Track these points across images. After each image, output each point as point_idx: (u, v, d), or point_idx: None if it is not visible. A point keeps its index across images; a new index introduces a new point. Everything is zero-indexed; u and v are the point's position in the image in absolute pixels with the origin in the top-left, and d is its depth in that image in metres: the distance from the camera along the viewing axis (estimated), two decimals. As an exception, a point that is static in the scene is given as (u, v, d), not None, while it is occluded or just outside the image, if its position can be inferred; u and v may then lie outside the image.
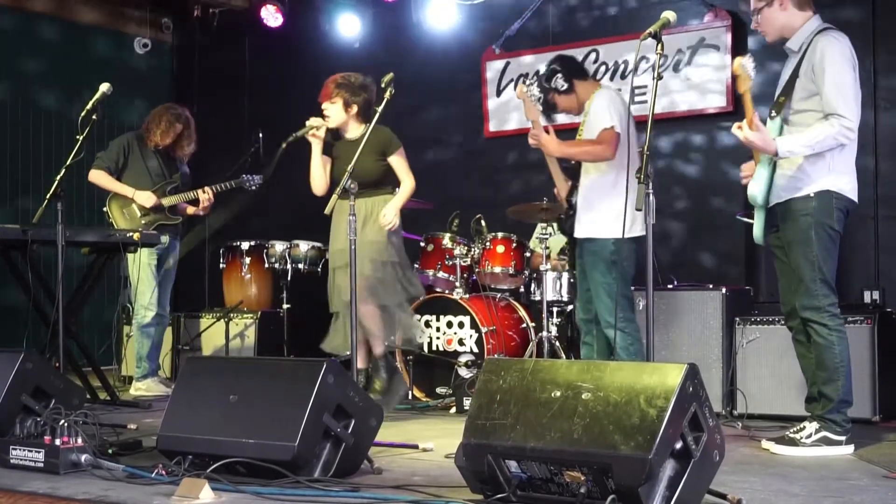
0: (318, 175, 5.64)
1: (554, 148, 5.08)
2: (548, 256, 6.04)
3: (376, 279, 5.48)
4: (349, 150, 5.40)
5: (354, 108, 5.60)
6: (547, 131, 5.12)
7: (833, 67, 4.10)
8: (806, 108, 4.19)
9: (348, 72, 5.70)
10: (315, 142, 5.58)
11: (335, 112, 5.59)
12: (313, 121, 5.55)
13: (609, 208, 4.99)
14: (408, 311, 5.74)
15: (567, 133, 5.41)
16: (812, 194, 4.19)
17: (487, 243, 6.29)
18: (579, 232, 5.08)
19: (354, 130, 5.64)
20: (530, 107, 5.02)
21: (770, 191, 4.30)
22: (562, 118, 5.43)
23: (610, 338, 4.95)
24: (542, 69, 5.44)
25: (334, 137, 5.73)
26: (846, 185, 4.24)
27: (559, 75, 5.20)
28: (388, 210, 5.52)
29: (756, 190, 4.30)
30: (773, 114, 4.22)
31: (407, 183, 5.64)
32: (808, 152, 4.13)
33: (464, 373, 6.01)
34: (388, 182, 5.64)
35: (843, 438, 4.19)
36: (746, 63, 4.06)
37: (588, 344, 5.21)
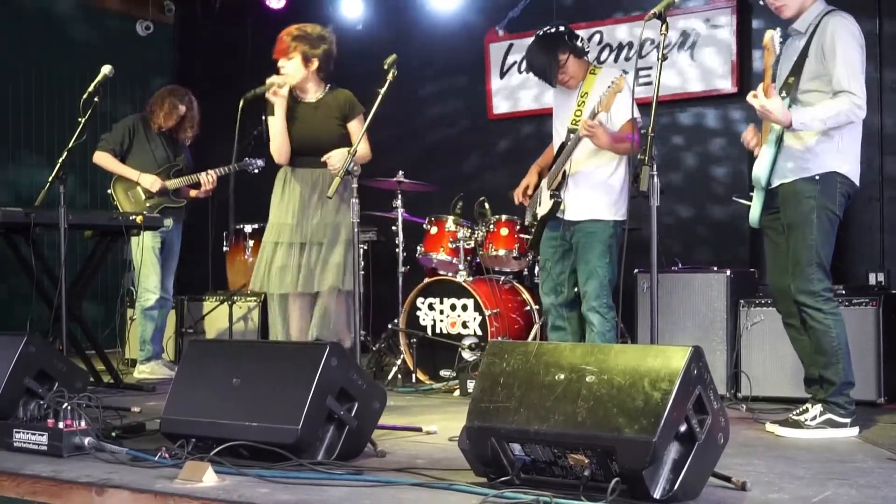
0: (283, 139, 5.18)
1: (606, 141, 4.83)
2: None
3: (348, 264, 5.12)
4: (308, 113, 5.17)
5: (315, 63, 5.17)
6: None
7: (844, 47, 4.08)
8: (813, 89, 4.16)
9: (304, 23, 5.27)
10: (278, 101, 5.13)
11: (294, 68, 5.14)
12: (275, 78, 5.13)
13: (608, 191, 4.98)
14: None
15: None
16: (818, 176, 4.17)
17: (491, 226, 6.27)
18: (576, 214, 5.00)
19: (313, 92, 5.25)
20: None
21: (772, 172, 4.28)
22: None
23: (591, 321, 4.95)
24: (551, 29, 5.09)
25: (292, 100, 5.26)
26: (851, 168, 4.23)
27: (580, 39, 5.08)
28: (336, 155, 4.99)
29: (761, 170, 4.27)
30: (783, 94, 4.18)
31: (363, 148, 5.03)
32: (821, 127, 4.10)
33: (467, 355, 6.00)
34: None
35: (847, 421, 4.18)
36: (776, 37, 4.03)
37: (561, 328, 5.16)
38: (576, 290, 5.16)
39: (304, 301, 5.32)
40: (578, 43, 5.06)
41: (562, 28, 5.09)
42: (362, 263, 6.69)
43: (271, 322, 5.50)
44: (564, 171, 5.00)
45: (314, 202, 5.25)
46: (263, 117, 5.36)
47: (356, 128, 5.24)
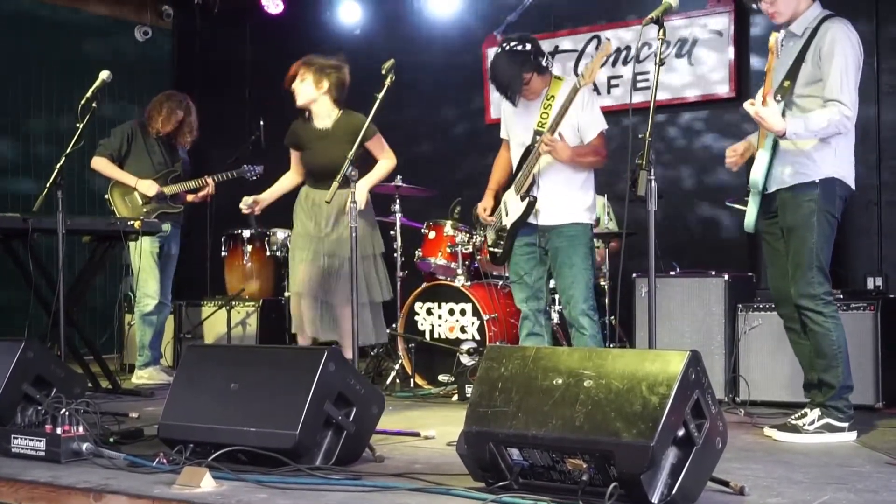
0: (288, 186, 5.66)
1: (567, 156, 4.83)
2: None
3: (362, 274, 5.28)
4: (322, 140, 5.39)
5: (325, 85, 5.35)
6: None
7: (842, 56, 4.09)
8: (810, 94, 4.16)
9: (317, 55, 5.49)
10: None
11: (306, 89, 5.35)
12: (243, 203, 5.64)
13: (583, 195, 4.98)
14: (376, 312, 5.53)
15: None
16: (817, 181, 4.17)
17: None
18: (552, 218, 4.95)
19: (326, 115, 5.43)
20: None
21: (769, 176, 4.27)
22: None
23: (582, 325, 4.94)
24: (518, 45, 4.96)
25: (304, 121, 5.53)
26: (848, 172, 4.24)
27: (545, 57, 5.01)
28: (360, 191, 5.17)
29: (758, 175, 4.27)
30: (778, 98, 4.18)
31: (386, 162, 5.50)
32: (812, 138, 4.12)
33: (465, 360, 6.00)
34: (362, 171, 5.30)
35: (845, 425, 4.18)
36: (780, 40, 4.04)
37: (538, 335, 5.11)
38: (552, 296, 5.14)
39: (316, 302, 5.48)
40: (543, 61, 4.98)
41: (528, 46, 4.95)
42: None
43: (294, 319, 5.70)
44: (534, 174, 4.95)
45: (333, 217, 5.42)
46: (261, 123, 5.46)
47: (374, 145, 5.45)
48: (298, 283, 5.48)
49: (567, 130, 4.89)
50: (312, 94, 5.38)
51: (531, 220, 4.99)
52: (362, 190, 5.31)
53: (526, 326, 5.15)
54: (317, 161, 5.44)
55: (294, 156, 5.64)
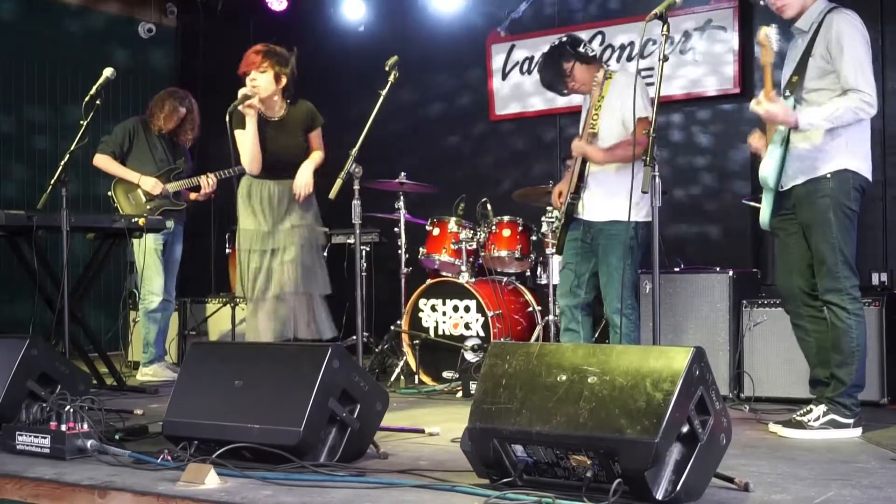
0: (256, 150, 5.21)
1: (601, 157, 4.90)
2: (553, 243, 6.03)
3: (305, 266, 5.29)
4: (273, 131, 5.29)
5: (283, 80, 5.26)
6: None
7: (851, 45, 4.07)
8: (820, 87, 4.14)
9: (268, 43, 5.32)
10: (250, 113, 5.18)
11: (265, 82, 5.20)
12: (246, 90, 5.17)
13: (629, 191, 4.96)
14: (323, 304, 5.44)
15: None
16: (829, 174, 4.14)
17: (493, 227, 6.28)
18: (595, 214, 5.00)
19: (277, 109, 5.33)
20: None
21: (781, 173, 4.25)
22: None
23: (615, 323, 4.94)
24: (557, 41, 5.20)
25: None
26: (862, 163, 4.20)
27: (585, 45, 5.14)
28: (305, 176, 5.27)
29: (768, 171, 4.23)
30: (787, 93, 4.16)
31: (319, 154, 5.42)
32: (828, 126, 4.08)
33: (470, 357, 6.00)
34: (303, 157, 5.38)
35: (850, 421, 4.17)
36: (771, 33, 4.01)
37: (573, 331, 5.12)
38: (595, 293, 5.14)
39: (273, 304, 5.33)
40: (583, 49, 5.11)
41: (564, 38, 5.16)
42: (364, 265, 6.70)
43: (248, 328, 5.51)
44: (582, 173, 5.01)
45: (283, 210, 5.33)
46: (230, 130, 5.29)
47: (316, 137, 5.45)
48: (258, 290, 5.27)
49: (614, 126, 4.93)
50: (272, 88, 5.25)
51: (578, 215, 5.05)
52: (307, 173, 5.29)
53: (562, 322, 5.21)
54: (269, 151, 5.27)
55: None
